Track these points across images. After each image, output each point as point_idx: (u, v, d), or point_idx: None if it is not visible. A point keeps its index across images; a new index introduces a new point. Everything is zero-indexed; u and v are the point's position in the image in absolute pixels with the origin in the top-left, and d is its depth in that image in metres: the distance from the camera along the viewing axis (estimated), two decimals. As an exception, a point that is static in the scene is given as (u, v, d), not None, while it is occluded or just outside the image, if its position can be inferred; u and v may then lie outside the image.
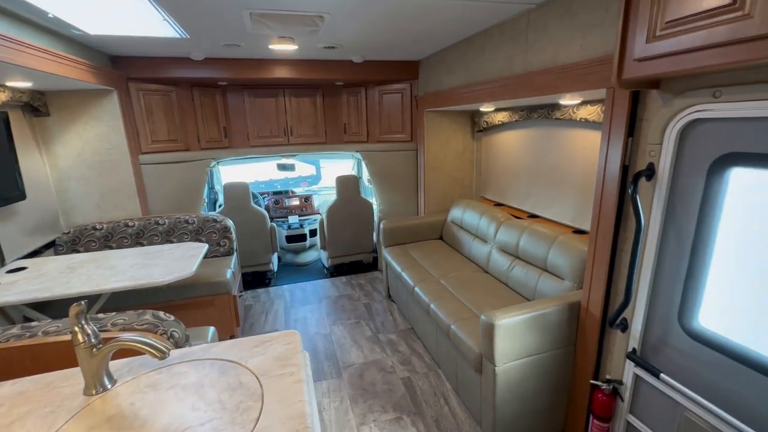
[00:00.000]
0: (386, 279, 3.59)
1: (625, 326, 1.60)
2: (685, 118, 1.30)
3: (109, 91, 2.81)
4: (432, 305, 2.45)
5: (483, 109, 3.07)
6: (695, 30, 1.05)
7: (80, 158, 2.86)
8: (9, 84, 2.24)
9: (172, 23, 2.05)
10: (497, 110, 3.09)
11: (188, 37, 2.35)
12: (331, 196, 5.19)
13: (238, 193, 3.76)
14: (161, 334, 1.37)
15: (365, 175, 5.02)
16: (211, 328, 2.02)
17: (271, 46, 2.68)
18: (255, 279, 4.13)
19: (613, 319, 1.56)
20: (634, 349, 1.57)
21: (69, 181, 2.87)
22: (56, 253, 2.75)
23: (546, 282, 2.26)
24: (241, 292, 3.11)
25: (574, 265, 2.08)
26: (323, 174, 8.94)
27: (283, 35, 2.37)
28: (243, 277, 4.06)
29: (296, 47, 2.75)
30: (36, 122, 2.72)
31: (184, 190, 3.45)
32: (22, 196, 2.29)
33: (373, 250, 4.43)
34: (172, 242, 3.01)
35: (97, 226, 2.84)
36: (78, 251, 2.79)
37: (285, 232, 4.68)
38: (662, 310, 1.47)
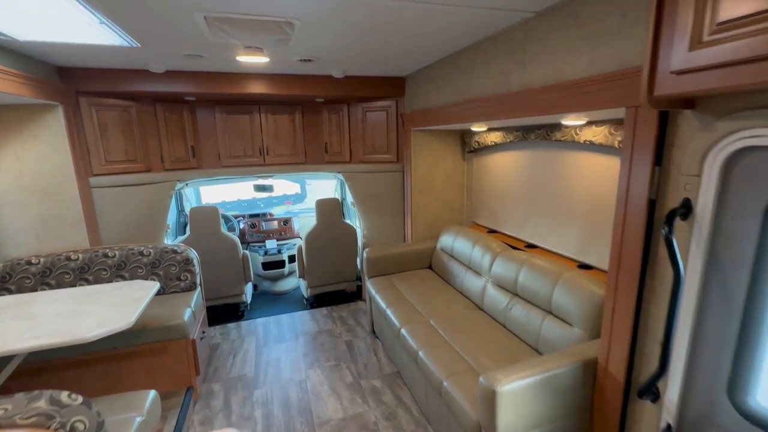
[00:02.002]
0: (370, 313, 3.25)
1: (656, 395, 1.30)
2: (732, 145, 1.04)
3: (52, 106, 2.47)
4: (420, 353, 2.12)
5: (474, 128, 2.83)
6: (763, 32, 0.79)
7: (17, 182, 2.49)
8: None
9: (114, 28, 1.74)
10: (490, 130, 2.85)
11: (138, 45, 2.05)
12: (312, 219, 4.87)
13: (205, 218, 3.40)
14: (56, 430, 1.01)
15: (349, 197, 4.73)
16: (151, 393, 1.65)
17: (238, 58, 2.40)
18: (226, 312, 3.74)
19: (643, 390, 1.26)
20: (669, 425, 1.27)
21: (2, 207, 2.49)
22: (-19, 293, 2.35)
23: (551, 327, 1.96)
24: (203, 332, 2.72)
25: (584, 309, 1.80)
26: (309, 192, 8.60)
27: (250, 45, 2.09)
28: (212, 311, 3.67)
29: (267, 59, 2.48)
30: (-37, 141, 2.35)
31: (143, 216, 3.09)
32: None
33: (356, 278, 4.09)
34: (123, 278, 2.63)
35: (33, 260, 2.45)
36: (9, 290, 2.39)
37: (261, 258, 4.31)
38: (705, 380, 1.18)
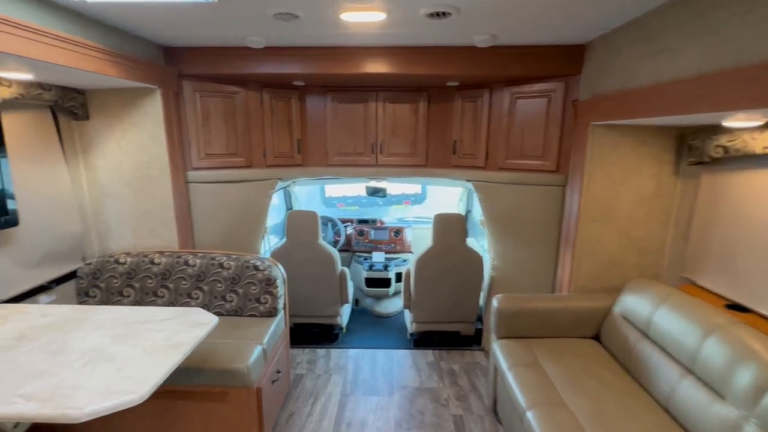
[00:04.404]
0: (493, 386, 2.26)
1: None
2: None
3: (151, 90, 2.21)
4: None
5: (730, 123, 1.56)
6: None
7: (118, 173, 2.32)
8: (10, 76, 1.71)
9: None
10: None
11: (214, 0, 1.51)
12: (428, 233, 4.06)
13: (303, 224, 2.91)
14: None
15: (476, 211, 3.75)
16: None
17: (343, 17, 1.70)
18: (319, 332, 3.23)
19: None
20: None
21: (106, 198, 2.36)
22: (77, 287, 2.23)
23: None
24: (278, 372, 2.18)
25: None
26: (430, 194, 7.83)
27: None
28: (303, 329, 3.19)
29: (384, 16, 1.71)
30: (75, 127, 2.26)
31: (240, 217, 2.73)
32: (10, 221, 1.74)
33: (477, 319, 3.12)
34: (201, 290, 2.26)
35: (121, 260, 2.25)
36: (99, 287, 2.23)
37: (365, 273, 3.70)
38: None
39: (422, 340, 3.14)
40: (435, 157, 2.95)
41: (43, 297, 2.04)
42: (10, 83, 1.75)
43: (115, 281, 2.24)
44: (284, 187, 3.74)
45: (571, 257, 2.29)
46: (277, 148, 2.81)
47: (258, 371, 1.92)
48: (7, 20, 1.33)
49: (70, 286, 2.20)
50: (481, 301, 3.07)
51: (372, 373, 2.77)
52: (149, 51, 2.18)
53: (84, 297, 2.23)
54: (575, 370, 1.88)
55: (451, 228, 2.83)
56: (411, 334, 3.18)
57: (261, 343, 2.00)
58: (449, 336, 3.12)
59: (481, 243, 3.67)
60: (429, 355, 3.01)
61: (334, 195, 6.49)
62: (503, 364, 1.97)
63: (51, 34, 1.50)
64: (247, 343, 1.97)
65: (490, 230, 2.80)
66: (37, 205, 1.96)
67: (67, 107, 2.10)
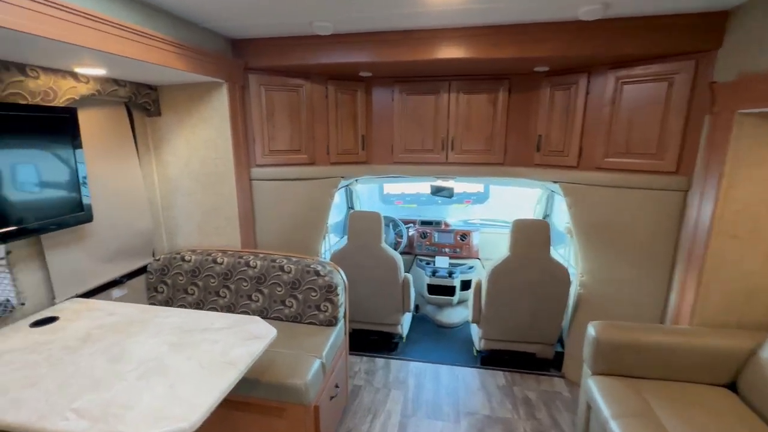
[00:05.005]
0: (584, 429, 1.88)
1: None
2: None
3: (218, 85, 2.14)
4: None
5: None
6: None
7: (187, 168, 2.31)
8: (84, 71, 1.71)
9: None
10: None
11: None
12: (498, 238, 3.68)
13: (365, 226, 2.72)
14: None
15: (558, 216, 3.31)
16: None
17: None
18: (377, 340, 3.04)
19: None
20: None
21: (175, 194, 2.37)
22: (147, 282, 2.26)
23: None
24: (336, 387, 2.02)
25: None
26: (492, 193, 7.31)
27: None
28: (361, 335, 3.03)
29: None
30: (148, 123, 2.28)
31: (302, 217, 2.62)
32: (84, 217, 1.75)
33: (558, 340, 2.72)
34: (261, 293, 2.16)
35: (186, 257, 2.23)
36: (165, 283, 2.24)
37: (428, 279, 3.44)
38: None
39: (491, 359, 2.81)
40: (514, 154, 2.59)
41: (115, 291, 2.07)
42: (87, 79, 1.76)
43: (181, 278, 2.23)
44: (346, 185, 3.61)
45: (697, 282, 1.82)
46: (341, 144, 2.65)
47: (316, 388, 1.76)
48: (78, 10, 1.28)
49: (140, 280, 2.23)
50: (565, 323, 2.66)
51: (435, 391, 2.51)
52: (217, 43, 2.11)
53: (153, 292, 2.25)
54: (708, 428, 1.46)
55: (534, 237, 2.46)
56: (478, 351, 2.87)
57: (320, 357, 1.84)
58: (523, 357, 2.76)
59: (560, 253, 3.22)
60: (499, 376, 2.67)
61: (392, 192, 6.28)
62: (606, 411, 1.60)
63: (120, 24, 1.44)
64: (305, 355, 1.82)
65: (579, 241, 2.38)
66: (111, 201, 1.98)
67: (140, 103, 2.11)
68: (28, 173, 1.52)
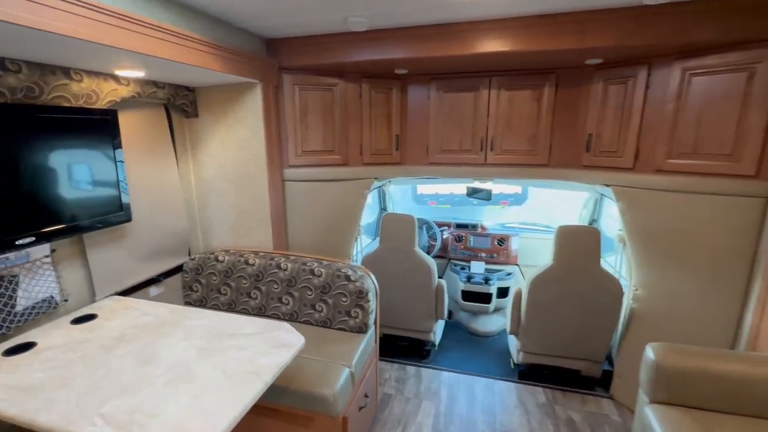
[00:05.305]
0: (640, 461, 1.69)
1: None
2: None
3: (252, 85, 2.13)
4: None
5: None
6: None
7: (221, 169, 2.33)
8: (124, 74, 1.73)
9: None
10: None
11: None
12: (539, 244, 3.46)
13: (398, 229, 2.63)
14: None
15: (607, 222, 3.06)
16: None
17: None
18: (411, 345, 2.94)
19: None
20: None
21: (210, 195, 2.39)
22: (183, 281, 2.30)
23: None
24: (366, 396, 1.94)
25: None
26: (531, 195, 6.97)
27: None
28: (391, 341, 2.94)
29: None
30: (186, 124, 2.31)
31: (335, 218, 2.57)
32: (124, 217, 1.79)
33: (607, 358, 2.50)
34: (291, 296, 2.13)
35: (220, 257, 2.24)
36: (200, 282, 2.26)
37: (462, 285, 3.29)
38: None
39: (530, 374, 2.63)
40: (560, 155, 2.40)
41: (152, 289, 2.11)
42: (128, 82, 1.79)
43: (214, 278, 2.24)
44: (379, 186, 3.53)
45: (781, 302, 1.58)
46: (375, 144, 2.57)
47: (345, 398, 1.69)
48: (117, 13, 1.28)
49: (176, 279, 2.27)
50: (616, 338, 2.43)
51: (469, 406, 2.38)
52: (252, 43, 2.09)
53: (188, 291, 2.28)
54: (796, 479, 1.24)
55: (581, 244, 2.26)
56: (516, 364, 2.70)
57: (349, 366, 1.77)
58: (566, 374, 2.55)
59: (609, 263, 2.97)
60: (539, 393, 2.49)
61: (426, 192, 6.13)
62: (667, 445, 1.41)
63: (157, 26, 1.44)
64: (334, 364, 1.76)
65: (634, 250, 2.16)
66: (149, 201, 2.01)
67: (179, 105, 2.14)
68: (72, 173, 1.56)
